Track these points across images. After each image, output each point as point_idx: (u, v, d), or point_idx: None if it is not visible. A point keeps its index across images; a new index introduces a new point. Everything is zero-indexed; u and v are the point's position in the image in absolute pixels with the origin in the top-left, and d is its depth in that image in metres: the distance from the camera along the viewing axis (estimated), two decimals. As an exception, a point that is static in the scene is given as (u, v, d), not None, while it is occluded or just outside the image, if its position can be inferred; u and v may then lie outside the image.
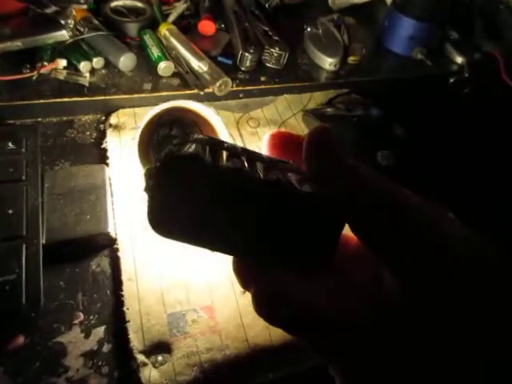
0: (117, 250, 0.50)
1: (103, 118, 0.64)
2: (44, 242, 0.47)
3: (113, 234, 0.51)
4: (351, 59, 0.80)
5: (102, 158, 0.59)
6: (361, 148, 0.59)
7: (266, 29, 0.79)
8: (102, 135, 0.62)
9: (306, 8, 0.92)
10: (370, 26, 0.90)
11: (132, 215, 0.54)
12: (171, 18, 0.79)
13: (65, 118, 0.63)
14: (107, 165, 0.57)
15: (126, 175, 0.57)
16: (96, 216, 0.50)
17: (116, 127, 0.63)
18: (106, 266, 0.49)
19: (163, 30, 0.73)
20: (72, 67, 0.65)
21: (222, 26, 0.80)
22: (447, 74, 0.84)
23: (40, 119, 0.62)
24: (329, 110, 0.67)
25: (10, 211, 0.46)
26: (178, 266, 0.51)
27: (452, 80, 0.85)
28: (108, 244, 0.50)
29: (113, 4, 0.74)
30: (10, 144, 0.53)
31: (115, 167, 0.58)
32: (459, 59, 0.86)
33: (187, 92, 0.68)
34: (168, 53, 0.70)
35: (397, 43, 0.84)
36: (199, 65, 0.70)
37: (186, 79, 0.69)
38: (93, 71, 0.66)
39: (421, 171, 0.59)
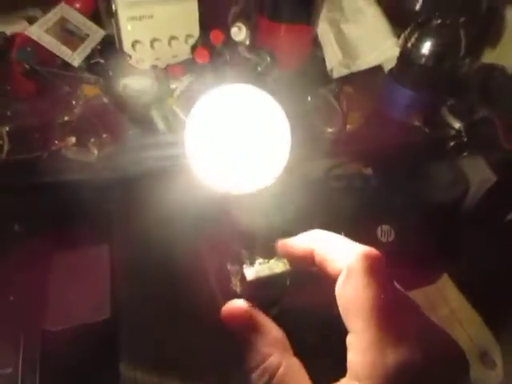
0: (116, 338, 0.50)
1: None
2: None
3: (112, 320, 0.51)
4: (349, 127, 0.83)
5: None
6: (360, 222, 0.60)
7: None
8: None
9: (304, 77, 0.96)
10: (369, 93, 0.93)
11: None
12: (177, 93, 0.83)
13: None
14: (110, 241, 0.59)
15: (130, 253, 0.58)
16: (97, 301, 0.50)
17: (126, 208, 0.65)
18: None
19: (170, 105, 0.77)
20: (80, 144, 0.69)
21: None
22: (445, 138, 0.86)
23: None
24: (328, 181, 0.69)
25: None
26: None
27: (451, 144, 0.87)
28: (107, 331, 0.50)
29: (122, 83, 0.78)
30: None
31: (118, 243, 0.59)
32: (456, 124, 0.88)
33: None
34: (173, 127, 0.74)
35: (394, 110, 0.86)
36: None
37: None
38: (101, 148, 0.69)
39: (422, 247, 0.59)
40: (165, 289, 0.58)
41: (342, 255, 0.29)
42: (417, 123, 0.84)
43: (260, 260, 0.42)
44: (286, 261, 0.42)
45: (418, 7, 0.82)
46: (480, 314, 0.67)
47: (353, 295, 0.26)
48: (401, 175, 0.81)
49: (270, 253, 0.44)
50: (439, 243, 0.66)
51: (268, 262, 0.42)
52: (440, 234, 0.68)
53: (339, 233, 0.49)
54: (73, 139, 0.68)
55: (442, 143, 0.85)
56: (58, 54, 0.76)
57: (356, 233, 0.57)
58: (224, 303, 0.36)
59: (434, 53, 0.76)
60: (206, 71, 0.86)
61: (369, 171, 0.76)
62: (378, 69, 0.99)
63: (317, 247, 0.32)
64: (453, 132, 0.88)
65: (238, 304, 0.33)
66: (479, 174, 1.04)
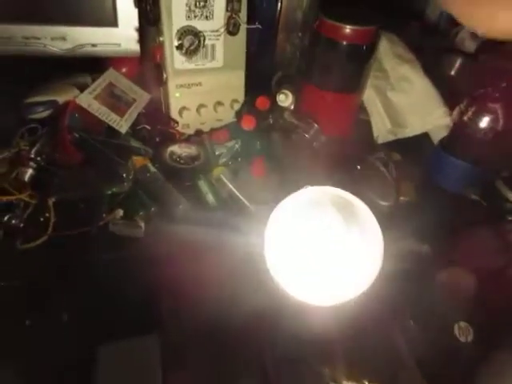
0: None
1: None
2: None
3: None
4: (402, 199, 0.79)
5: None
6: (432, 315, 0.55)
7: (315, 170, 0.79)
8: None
9: (350, 144, 0.93)
10: (416, 161, 0.90)
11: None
12: (223, 160, 0.81)
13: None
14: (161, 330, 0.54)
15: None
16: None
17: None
18: None
19: (217, 174, 0.75)
20: (128, 216, 0.65)
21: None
22: (503, 211, 0.82)
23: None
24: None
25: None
26: None
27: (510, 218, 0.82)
28: None
29: (169, 150, 0.76)
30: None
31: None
32: (512, 196, 0.84)
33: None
34: (223, 199, 0.71)
35: (448, 182, 0.83)
36: (252, 209, 0.70)
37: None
38: (148, 220, 0.66)
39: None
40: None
41: None
42: (474, 197, 0.80)
43: None
44: None
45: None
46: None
47: None
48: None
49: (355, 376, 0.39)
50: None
51: None
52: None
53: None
54: (120, 212, 0.65)
55: (499, 216, 0.80)
56: (107, 121, 0.75)
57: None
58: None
59: (493, 128, 0.73)
60: (252, 136, 0.85)
61: (426, 249, 0.71)
62: (423, 137, 0.97)
63: None
64: (509, 205, 0.83)
65: None
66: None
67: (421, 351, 0.57)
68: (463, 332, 0.54)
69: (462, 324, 0.55)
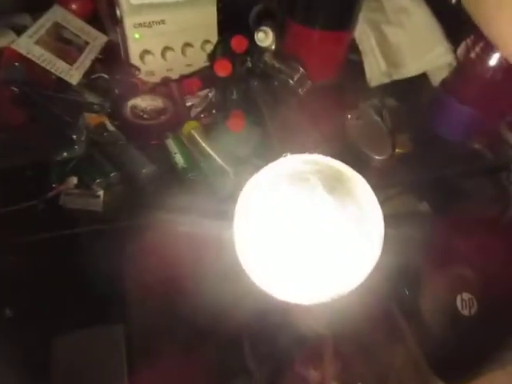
0: None
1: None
2: None
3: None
4: (398, 151, 0.71)
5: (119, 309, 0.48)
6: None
7: (302, 121, 0.70)
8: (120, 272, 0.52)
9: (340, 90, 0.83)
10: (414, 108, 0.81)
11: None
12: (194, 113, 0.70)
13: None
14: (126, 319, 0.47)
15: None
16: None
17: (136, 258, 0.53)
18: None
19: (188, 130, 0.65)
20: (84, 185, 0.56)
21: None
22: (508, 162, 0.74)
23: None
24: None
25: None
26: None
27: (513, 169, 0.75)
28: None
29: (130, 104, 0.65)
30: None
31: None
32: (520, 144, 0.76)
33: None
34: (195, 160, 0.61)
35: (450, 131, 0.74)
36: (230, 171, 0.61)
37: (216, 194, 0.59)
38: (108, 189, 0.57)
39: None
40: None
41: None
42: (477, 146, 0.72)
43: None
44: None
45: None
46: None
47: None
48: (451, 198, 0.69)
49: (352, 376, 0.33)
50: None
51: None
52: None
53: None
54: (74, 180, 0.56)
55: (505, 168, 0.73)
56: (53, 70, 0.63)
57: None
58: None
59: (504, 67, 0.63)
60: (228, 84, 0.73)
61: (425, 206, 0.64)
62: (422, 78, 0.86)
63: None
64: (515, 154, 0.76)
65: None
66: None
67: (419, 327, 0.51)
68: (466, 304, 0.48)
69: (465, 296, 0.48)
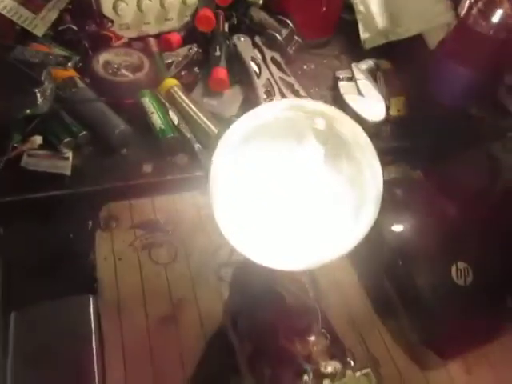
0: None
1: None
2: None
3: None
4: (392, 115, 0.67)
5: (87, 280, 0.44)
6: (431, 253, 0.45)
7: (291, 81, 0.65)
8: (90, 242, 0.47)
9: (331, 47, 0.78)
10: (409, 70, 0.76)
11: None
12: (174, 71, 0.64)
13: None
14: (95, 291, 0.43)
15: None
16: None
17: (107, 227, 0.49)
18: None
19: (166, 88, 0.59)
20: (50, 145, 0.51)
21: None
22: (506, 128, 0.71)
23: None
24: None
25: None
26: None
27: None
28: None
29: (103, 58, 0.59)
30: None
31: (108, 291, 0.43)
32: (517, 109, 0.72)
33: (199, 174, 0.53)
34: (172, 121, 0.56)
35: (446, 94, 0.69)
36: (215, 132, 0.56)
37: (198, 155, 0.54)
38: (77, 150, 0.52)
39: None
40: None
41: None
42: (474, 111, 0.68)
43: (330, 368, 0.27)
44: (370, 373, 0.27)
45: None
46: None
47: None
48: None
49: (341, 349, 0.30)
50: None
51: (344, 374, 0.27)
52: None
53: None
54: (38, 139, 0.51)
55: (502, 133, 0.69)
56: (15, 19, 0.57)
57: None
58: None
59: (508, 24, 0.59)
60: (211, 40, 0.68)
61: (418, 175, 0.61)
62: (418, 40, 0.81)
63: None
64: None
65: None
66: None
67: (411, 296, 0.49)
68: (462, 274, 0.45)
69: (461, 265, 0.45)
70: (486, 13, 0.61)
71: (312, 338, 0.31)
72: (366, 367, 0.28)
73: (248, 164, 0.26)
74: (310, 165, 0.25)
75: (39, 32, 0.59)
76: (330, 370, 0.27)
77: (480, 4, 0.62)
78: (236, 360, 0.37)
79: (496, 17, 0.61)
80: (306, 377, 0.26)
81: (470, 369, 0.68)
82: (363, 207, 0.28)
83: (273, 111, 0.28)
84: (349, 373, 0.27)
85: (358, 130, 0.29)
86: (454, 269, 0.45)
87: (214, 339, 0.40)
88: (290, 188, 0.25)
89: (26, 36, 0.59)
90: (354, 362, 0.29)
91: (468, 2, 0.64)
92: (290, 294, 0.33)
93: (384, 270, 0.50)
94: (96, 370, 0.39)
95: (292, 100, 0.27)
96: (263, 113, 0.28)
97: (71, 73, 0.56)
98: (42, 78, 0.51)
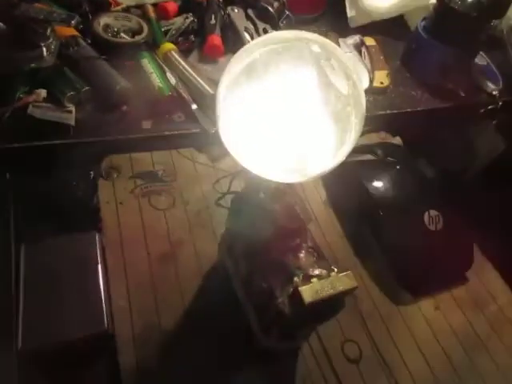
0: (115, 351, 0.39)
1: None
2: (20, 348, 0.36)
3: (109, 329, 0.40)
4: (375, 85, 0.71)
5: (92, 220, 0.47)
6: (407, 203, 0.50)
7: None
8: (92, 188, 0.50)
9: (320, 23, 0.82)
10: (392, 47, 0.81)
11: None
12: (170, 37, 0.67)
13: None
14: (99, 230, 0.46)
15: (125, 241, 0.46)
16: (88, 309, 0.39)
17: (109, 176, 0.52)
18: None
19: (164, 51, 0.62)
20: (54, 99, 0.54)
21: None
22: (479, 103, 0.76)
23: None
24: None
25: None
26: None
27: (483, 110, 0.77)
28: (104, 346, 0.39)
29: (103, 22, 0.62)
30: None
31: (111, 230, 0.47)
32: (490, 87, 0.78)
33: (195, 131, 0.57)
34: (170, 82, 0.59)
35: (424, 70, 0.74)
36: (210, 93, 0.59)
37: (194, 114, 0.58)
38: (80, 105, 0.55)
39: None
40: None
41: None
42: (450, 86, 0.73)
43: (317, 271, 0.32)
44: (350, 274, 0.32)
45: None
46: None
47: None
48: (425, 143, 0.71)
49: (327, 263, 0.34)
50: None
51: (329, 275, 0.32)
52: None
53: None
54: (43, 92, 0.53)
55: (475, 109, 0.75)
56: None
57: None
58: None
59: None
60: (206, 9, 0.71)
61: (397, 140, 0.65)
62: (400, 21, 0.86)
63: None
64: (485, 96, 0.78)
65: None
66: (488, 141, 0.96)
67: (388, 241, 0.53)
68: (433, 220, 0.50)
69: (432, 212, 0.51)
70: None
71: (302, 255, 0.35)
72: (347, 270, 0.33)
73: (249, 88, 0.30)
74: (306, 85, 0.29)
75: (42, -7, 0.60)
76: (317, 272, 0.31)
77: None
78: (232, 286, 0.41)
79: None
80: (296, 278, 0.30)
81: (438, 305, 0.74)
82: (349, 124, 0.31)
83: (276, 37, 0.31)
84: (333, 274, 0.31)
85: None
86: (426, 216, 0.50)
87: (211, 272, 0.44)
88: (286, 107, 0.28)
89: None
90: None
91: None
92: (282, 217, 0.37)
93: (366, 219, 0.55)
94: (103, 297, 0.43)
95: (293, 31, 0.31)
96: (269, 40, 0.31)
97: (73, 32, 0.58)
98: (47, 34, 0.53)
